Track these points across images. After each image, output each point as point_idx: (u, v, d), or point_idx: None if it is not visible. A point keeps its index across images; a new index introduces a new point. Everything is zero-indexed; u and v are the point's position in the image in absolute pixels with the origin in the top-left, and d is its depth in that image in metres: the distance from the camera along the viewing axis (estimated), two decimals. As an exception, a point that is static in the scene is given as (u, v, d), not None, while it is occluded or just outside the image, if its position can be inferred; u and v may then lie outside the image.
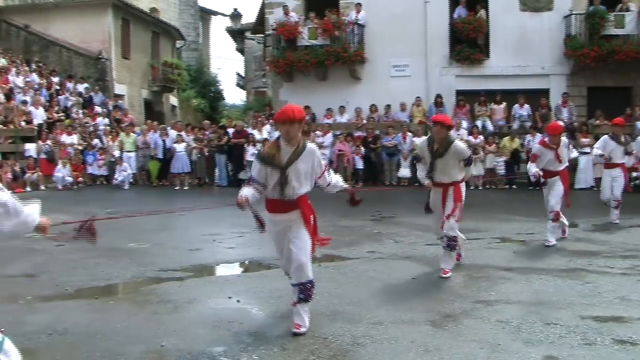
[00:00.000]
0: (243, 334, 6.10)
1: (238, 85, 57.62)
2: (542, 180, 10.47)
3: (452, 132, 9.78)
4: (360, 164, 22.00)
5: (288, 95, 25.01)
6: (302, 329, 6.05)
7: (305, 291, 6.11)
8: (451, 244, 8.41)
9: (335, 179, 6.57)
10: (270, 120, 21.88)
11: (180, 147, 22.63)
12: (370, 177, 22.13)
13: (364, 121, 23.33)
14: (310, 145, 6.26)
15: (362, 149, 21.97)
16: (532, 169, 10.40)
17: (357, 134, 22.63)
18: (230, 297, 7.44)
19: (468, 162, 8.51)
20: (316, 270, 8.78)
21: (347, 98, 24.24)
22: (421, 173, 8.71)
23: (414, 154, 9.17)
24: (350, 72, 24.65)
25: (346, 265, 9.35)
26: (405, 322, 6.49)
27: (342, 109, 23.92)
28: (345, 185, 6.86)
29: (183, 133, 23.40)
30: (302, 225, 6.14)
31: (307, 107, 24.06)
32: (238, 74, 56.93)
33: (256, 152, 6.80)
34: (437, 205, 8.58)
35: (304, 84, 24.96)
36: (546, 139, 10.76)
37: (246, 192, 5.90)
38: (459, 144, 8.49)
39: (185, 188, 22.09)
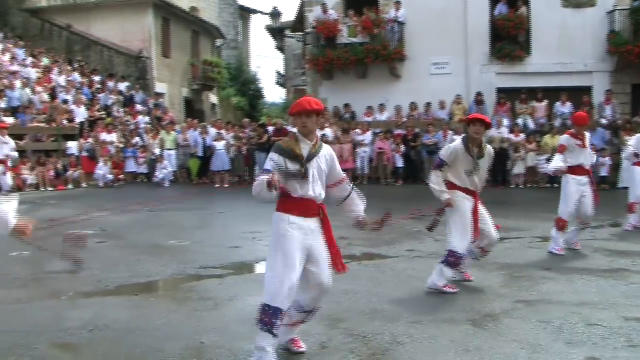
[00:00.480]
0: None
1: (277, 83, 57.77)
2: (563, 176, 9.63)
3: (494, 130, 9.25)
4: (400, 162, 21.90)
5: (328, 93, 25.00)
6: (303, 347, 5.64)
7: (313, 315, 5.66)
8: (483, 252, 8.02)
9: (357, 199, 5.76)
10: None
11: (220, 145, 22.77)
12: (410, 175, 22.01)
13: (404, 119, 23.24)
14: (327, 145, 5.59)
15: (402, 147, 21.88)
16: (557, 162, 9.62)
17: (397, 131, 22.52)
18: (267, 296, 7.42)
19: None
20: (355, 269, 8.79)
21: (387, 96, 24.15)
22: (439, 182, 7.72)
23: (440, 159, 7.85)
24: (389, 69, 24.55)
25: (385, 264, 9.30)
26: (445, 321, 6.43)
27: (381, 107, 23.84)
28: (362, 214, 5.79)
29: (222, 131, 23.51)
30: (323, 241, 5.38)
31: (347, 105, 24.12)
32: (277, 72, 57.06)
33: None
34: (466, 216, 7.68)
35: (344, 82, 24.91)
36: (573, 130, 10.00)
37: (265, 178, 4.99)
38: (490, 148, 8.01)
39: (225, 186, 22.20)
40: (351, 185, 5.75)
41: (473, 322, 6.37)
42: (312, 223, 5.29)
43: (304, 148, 5.27)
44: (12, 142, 15.74)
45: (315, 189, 5.27)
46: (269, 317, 5.12)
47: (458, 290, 7.62)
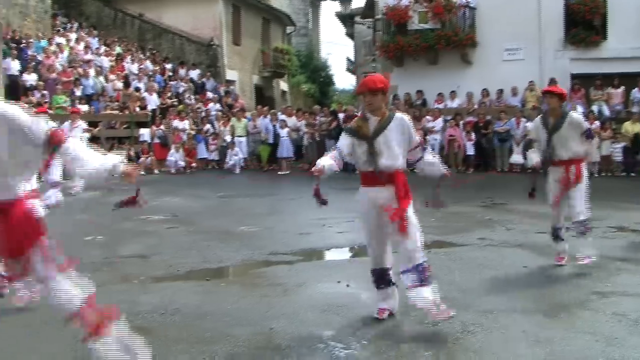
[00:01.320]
0: (353, 319, 6.01)
1: (348, 70, 57.61)
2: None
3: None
4: (471, 150, 21.60)
5: (398, 79, 24.79)
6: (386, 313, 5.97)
7: (421, 273, 5.72)
8: (586, 228, 7.91)
9: (432, 158, 6.03)
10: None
11: (283, 132, 22.89)
12: (481, 163, 21.71)
13: (475, 106, 22.92)
14: (399, 114, 5.84)
15: (473, 134, 21.58)
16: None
17: (468, 119, 22.23)
18: (339, 282, 7.37)
19: (588, 134, 7.83)
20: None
21: (458, 82, 23.81)
22: (532, 155, 7.98)
23: (527, 140, 8.45)
24: (461, 56, 24.23)
25: (456, 252, 9.17)
26: (517, 311, 6.28)
27: (453, 94, 23.56)
28: (444, 170, 6.10)
29: (284, 117, 23.70)
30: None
31: (419, 92, 23.89)
32: (348, 59, 56.94)
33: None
34: (555, 189, 7.97)
35: (415, 69, 24.69)
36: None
37: (325, 161, 5.50)
38: (575, 115, 8.05)
39: (287, 172, 22.28)
40: (427, 148, 6.08)
41: (545, 313, 6.21)
42: (386, 192, 5.61)
43: (372, 125, 5.60)
44: (83, 125, 16.00)
45: (385, 161, 5.58)
46: (376, 277, 5.93)
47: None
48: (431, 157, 6.03)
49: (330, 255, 9.59)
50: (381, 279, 5.95)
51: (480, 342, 5.37)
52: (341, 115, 22.92)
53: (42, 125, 4.00)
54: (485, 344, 5.34)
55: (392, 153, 5.59)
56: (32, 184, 4.31)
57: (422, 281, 5.68)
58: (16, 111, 3.96)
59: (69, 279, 4.39)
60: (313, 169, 5.42)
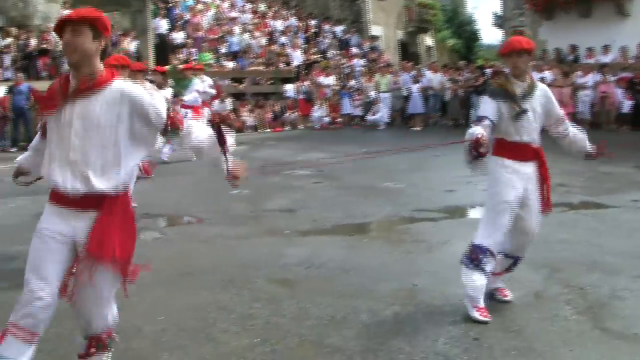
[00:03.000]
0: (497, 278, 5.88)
1: (494, 24, 55.99)
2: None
3: None
4: (626, 107, 20.54)
5: (547, 34, 23.85)
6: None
7: (516, 266, 5.40)
8: None
9: (578, 134, 5.39)
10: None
11: (414, 88, 22.57)
12: (636, 121, 20.61)
13: (631, 61, 21.71)
14: (542, 85, 5.33)
15: (628, 91, 20.49)
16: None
17: (623, 75, 21.11)
18: (484, 240, 7.23)
19: None
20: (573, 218, 8.41)
21: (613, 36, 22.56)
22: None
23: None
24: (616, 7, 22.90)
25: (606, 214, 8.76)
26: (674, 276, 5.94)
27: (605, 48, 22.36)
28: (590, 149, 5.41)
29: (413, 73, 23.36)
30: (536, 187, 5.13)
31: (573, 47, 22.85)
32: (494, 13, 55.35)
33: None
34: None
35: (565, 22, 23.60)
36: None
37: (481, 131, 4.84)
38: None
39: (417, 129, 21.95)
40: (571, 123, 5.45)
41: None
42: (528, 168, 5.11)
43: (517, 89, 5.08)
44: (209, 80, 16.23)
45: (530, 132, 5.09)
46: (477, 256, 5.07)
47: None
48: (578, 133, 5.41)
49: (476, 213, 9.36)
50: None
51: (630, 309, 5.13)
52: (488, 71, 22.32)
53: (164, 107, 3.65)
54: (636, 311, 5.09)
55: (536, 124, 5.13)
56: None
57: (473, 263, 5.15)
58: (141, 92, 3.61)
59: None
60: (476, 137, 4.88)
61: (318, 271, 6.26)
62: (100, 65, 3.59)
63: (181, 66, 17.76)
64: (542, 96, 5.16)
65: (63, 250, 3.60)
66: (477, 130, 4.83)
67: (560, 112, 5.31)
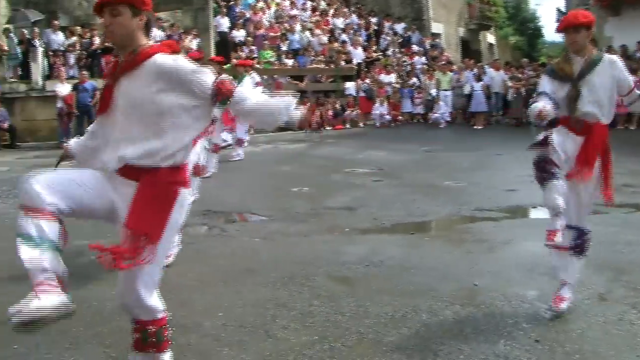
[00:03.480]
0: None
1: (558, 21, 55.10)
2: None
3: None
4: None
5: (613, 30, 23.37)
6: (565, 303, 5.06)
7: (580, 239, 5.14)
8: None
9: None
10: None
11: (477, 86, 22.35)
12: None
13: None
14: (609, 56, 5.14)
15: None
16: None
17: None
18: (547, 241, 7.11)
19: None
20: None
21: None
22: None
23: None
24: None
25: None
26: None
27: (675, 45, 21.82)
28: None
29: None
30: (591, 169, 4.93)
31: (639, 43, 22.32)
32: (558, 9, 54.43)
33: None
34: None
35: (632, 18, 23.06)
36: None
37: (542, 105, 4.80)
38: None
39: (479, 127, 21.80)
40: None
41: None
42: (578, 143, 4.99)
43: (576, 67, 4.97)
44: (256, 77, 16.25)
45: (587, 107, 4.94)
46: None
47: None
48: None
49: (538, 214, 9.23)
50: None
51: None
52: (551, 68, 21.93)
53: (209, 76, 3.50)
54: None
55: (596, 99, 4.95)
56: (193, 158, 3.79)
57: (578, 250, 5.07)
58: (179, 62, 3.48)
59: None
60: (539, 110, 4.84)
61: (378, 269, 6.24)
62: (144, 40, 3.54)
63: (235, 61, 18.00)
64: (607, 67, 4.99)
65: (98, 193, 3.58)
66: (538, 106, 4.82)
67: (630, 81, 5.11)
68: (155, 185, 3.51)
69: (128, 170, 3.52)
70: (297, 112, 3.75)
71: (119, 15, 3.44)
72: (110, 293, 5.66)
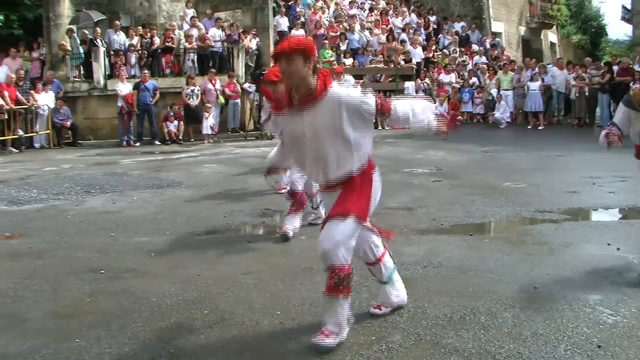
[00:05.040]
0: (622, 284, 5.68)
1: (623, 18, 53.98)
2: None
3: None
4: None
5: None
6: None
7: None
8: None
9: None
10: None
11: (534, 86, 21.97)
12: None
13: None
14: None
15: None
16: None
17: None
18: (609, 244, 7.00)
19: None
20: None
21: None
22: None
23: None
24: None
25: None
26: None
27: None
28: None
29: (537, 70, 22.70)
30: None
31: None
32: (623, 7, 53.39)
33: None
34: None
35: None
36: None
37: (609, 129, 5.11)
38: None
39: (540, 128, 21.47)
40: None
41: None
42: None
43: None
44: (352, 80, 16.31)
45: None
46: None
47: None
48: None
49: (599, 216, 9.09)
50: None
51: None
52: (615, 68, 21.51)
53: (372, 99, 4.35)
54: None
55: None
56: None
57: None
58: (351, 93, 4.37)
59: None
60: (607, 134, 4.94)
61: (436, 270, 6.22)
62: (314, 80, 4.31)
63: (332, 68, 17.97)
64: None
65: None
66: (605, 130, 5.02)
67: None
68: (357, 184, 4.48)
69: (332, 184, 4.53)
70: (434, 123, 4.59)
71: (292, 63, 4.22)
72: (169, 289, 5.77)
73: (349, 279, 4.45)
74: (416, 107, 4.56)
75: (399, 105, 4.48)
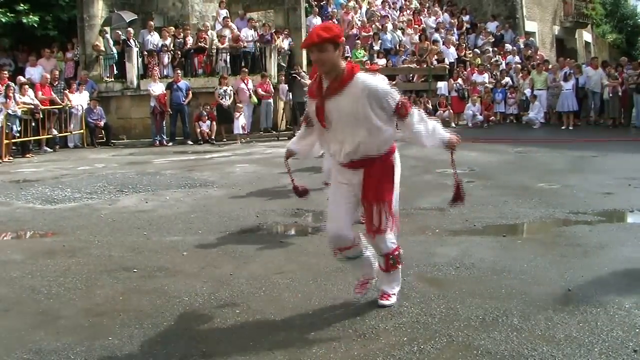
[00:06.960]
0: (659, 287, 5.61)
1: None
2: None
3: None
4: None
5: None
6: None
7: None
8: None
9: None
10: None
11: (567, 86, 21.77)
12: None
13: None
14: None
15: None
16: None
17: None
18: (646, 246, 6.92)
19: None
20: None
21: None
22: None
23: None
24: None
25: None
26: None
27: None
28: None
29: (566, 69, 22.44)
30: None
31: None
32: (661, 6, 52.78)
33: None
34: None
35: None
36: None
37: None
38: None
39: (570, 128, 21.31)
40: None
41: None
42: None
43: None
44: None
45: None
46: None
47: None
48: None
49: (635, 218, 8.97)
50: None
51: None
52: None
53: (396, 96, 4.71)
54: None
55: None
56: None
57: None
58: (376, 80, 4.72)
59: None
60: None
61: (468, 271, 6.18)
62: (343, 65, 4.65)
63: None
64: None
65: (349, 192, 4.94)
66: None
67: None
68: (378, 168, 4.83)
69: (355, 163, 4.83)
70: (447, 136, 4.88)
71: (324, 52, 4.55)
72: (201, 288, 5.80)
73: (400, 256, 5.14)
74: (430, 126, 4.90)
75: (417, 116, 4.85)
